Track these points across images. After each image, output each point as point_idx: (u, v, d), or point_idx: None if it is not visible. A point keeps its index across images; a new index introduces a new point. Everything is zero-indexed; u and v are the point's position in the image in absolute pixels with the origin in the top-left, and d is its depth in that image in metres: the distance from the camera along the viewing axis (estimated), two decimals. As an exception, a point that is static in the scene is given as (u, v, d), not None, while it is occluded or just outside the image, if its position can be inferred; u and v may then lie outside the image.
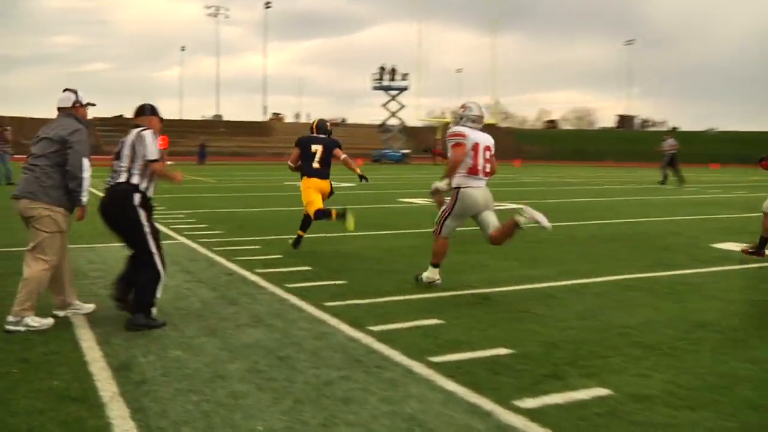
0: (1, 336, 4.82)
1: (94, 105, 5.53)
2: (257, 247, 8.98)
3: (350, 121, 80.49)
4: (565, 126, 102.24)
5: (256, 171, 32.19)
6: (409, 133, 70.97)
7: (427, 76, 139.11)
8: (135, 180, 5.22)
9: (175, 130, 60.15)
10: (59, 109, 5.43)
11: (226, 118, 76.43)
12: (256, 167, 39.11)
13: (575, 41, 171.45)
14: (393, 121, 64.96)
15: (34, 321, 4.99)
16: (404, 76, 62.16)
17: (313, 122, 8.98)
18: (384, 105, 63.21)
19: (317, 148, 8.62)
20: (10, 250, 8.22)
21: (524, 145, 78.96)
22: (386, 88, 62.56)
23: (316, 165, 8.64)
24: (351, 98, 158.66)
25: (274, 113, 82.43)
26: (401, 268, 7.62)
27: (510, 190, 22.22)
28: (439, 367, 4.28)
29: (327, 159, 8.65)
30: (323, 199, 8.81)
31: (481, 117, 6.44)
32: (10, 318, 4.97)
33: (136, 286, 5.17)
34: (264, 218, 12.57)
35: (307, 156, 8.66)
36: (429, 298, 6.15)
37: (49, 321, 5.08)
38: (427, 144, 60.54)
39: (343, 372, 4.19)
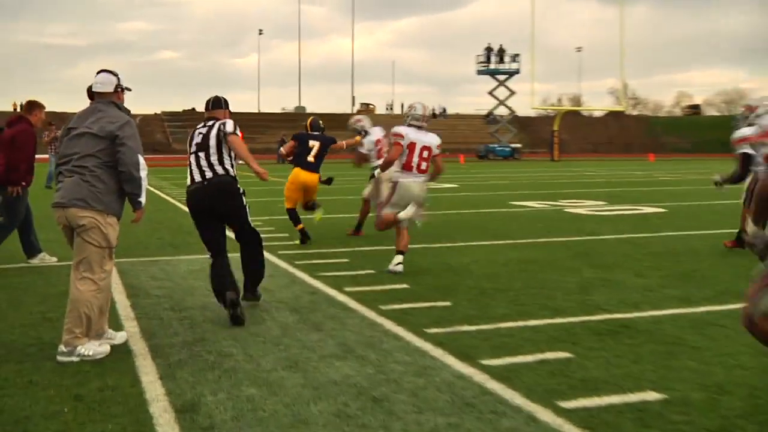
0: (55, 367, 4.82)
1: (130, 90, 5.47)
2: (346, 260, 8.89)
3: (451, 111, 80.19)
4: (711, 112, 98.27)
5: (343, 170, 32.33)
6: (520, 124, 70.03)
7: (542, 58, 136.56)
8: (232, 172, 6.18)
9: (252, 124, 61.68)
10: (97, 94, 5.31)
11: (309, 110, 77.74)
12: (343, 166, 39.39)
13: (722, 8, 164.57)
14: (501, 111, 64.16)
15: (88, 350, 4.96)
16: (514, 58, 61.26)
17: (308, 120, 10.86)
18: (491, 92, 62.42)
19: (314, 144, 10.46)
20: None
21: (659, 136, 76.45)
22: (493, 72, 61.81)
23: (311, 159, 10.44)
24: (452, 85, 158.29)
25: (364, 104, 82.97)
26: (519, 287, 7.30)
27: (642, 191, 21.37)
28: (571, 415, 3.97)
29: (322, 155, 10.45)
30: (309, 194, 10.65)
31: (425, 116, 8.37)
32: (62, 348, 4.96)
33: (256, 262, 6.48)
34: (353, 225, 12.45)
35: (304, 150, 10.46)
36: (555, 325, 5.84)
37: (105, 349, 5.06)
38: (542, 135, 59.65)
39: (451, 418, 3.94)
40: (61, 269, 8.20)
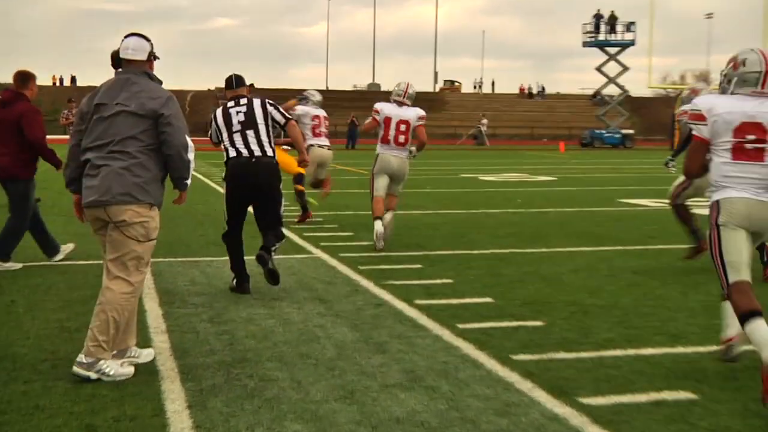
0: (67, 390, 4.74)
1: (158, 58, 5.38)
2: (419, 265, 8.77)
3: (550, 89, 79.43)
4: None
5: (422, 158, 32.33)
6: (633, 105, 68.70)
7: (662, 26, 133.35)
8: (275, 155, 7.34)
9: (319, 104, 61.98)
10: (126, 62, 5.21)
11: (384, 88, 78.01)
12: (422, 153, 39.42)
13: None
14: (611, 90, 63.02)
15: (110, 368, 4.88)
16: (628, 27, 59.96)
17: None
18: (599, 68, 61.27)
19: None
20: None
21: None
22: (603, 44, 60.66)
23: None
24: (551, 59, 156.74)
25: (448, 81, 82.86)
26: (628, 304, 7.04)
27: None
28: (694, 474, 3.67)
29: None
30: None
31: (404, 93, 10.26)
32: (82, 358, 4.88)
33: (274, 232, 7.33)
34: (431, 224, 12.38)
35: None
36: (675, 355, 5.55)
37: (129, 371, 4.97)
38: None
39: (541, 473, 3.70)
40: (88, 269, 8.25)
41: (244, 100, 7.34)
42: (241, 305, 6.85)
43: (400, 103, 10.21)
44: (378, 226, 9.80)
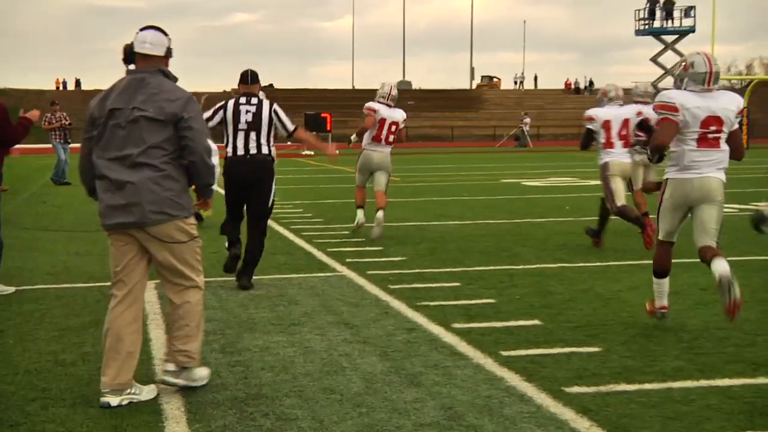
0: None
1: (172, 56, 5.36)
2: (456, 283, 8.69)
3: (600, 84, 78.71)
4: None
5: (459, 162, 32.26)
6: (693, 99, 68.24)
7: (726, 10, 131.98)
8: (273, 153, 8.41)
9: (345, 104, 62.27)
10: (142, 57, 5.16)
11: (416, 86, 78.18)
12: (459, 157, 39.41)
13: None
14: (668, 83, 62.58)
15: (199, 376, 5.28)
16: (687, 12, 59.67)
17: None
18: (654, 58, 61.15)
19: None
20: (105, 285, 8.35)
21: None
22: (658, 33, 60.45)
23: None
24: (600, 50, 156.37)
25: (486, 77, 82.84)
26: (697, 326, 6.86)
27: None
28: None
29: None
30: None
31: (389, 94, 12.19)
32: (170, 366, 5.17)
33: (254, 251, 8.51)
34: (470, 236, 12.29)
35: None
36: (756, 387, 5.34)
37: (207, 372, 5.38)
38: None
39: None
40: (88, 293, 8.21)
41: (254, 100, 8.33)
42: (257, 332, 6.75)
43: (388, 104, 12.10)
44: (359, 214, 12.00)
